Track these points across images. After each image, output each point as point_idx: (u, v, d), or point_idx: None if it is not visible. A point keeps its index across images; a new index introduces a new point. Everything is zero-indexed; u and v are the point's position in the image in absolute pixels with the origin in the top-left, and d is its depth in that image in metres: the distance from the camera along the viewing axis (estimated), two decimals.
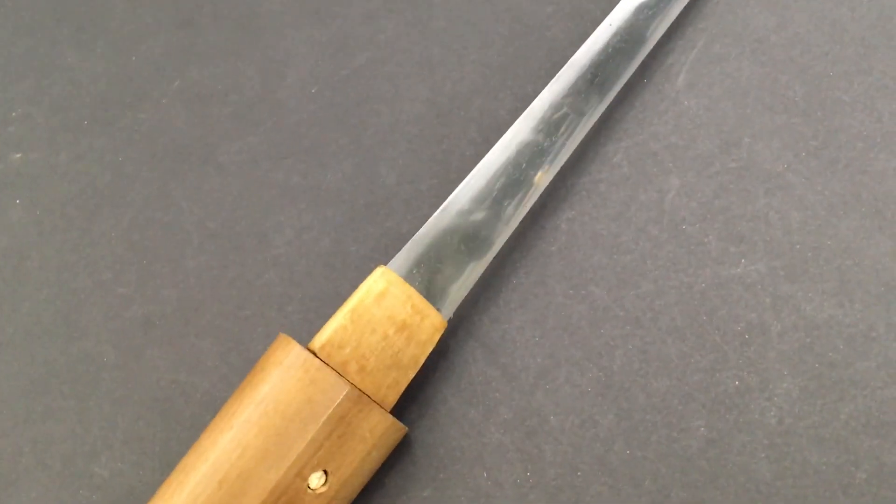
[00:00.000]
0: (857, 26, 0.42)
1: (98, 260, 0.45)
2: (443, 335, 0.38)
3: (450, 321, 0.38)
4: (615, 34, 0.41)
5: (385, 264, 0.37)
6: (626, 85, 0.42)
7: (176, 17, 0.51)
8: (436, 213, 0.38)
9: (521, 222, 0.40)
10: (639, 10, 0.41)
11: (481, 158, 0.39)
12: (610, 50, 0.40)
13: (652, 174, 0.41)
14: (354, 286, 0.37)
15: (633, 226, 0.40)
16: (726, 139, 0.41)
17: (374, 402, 0.35)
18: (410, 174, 0.43)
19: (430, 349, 0.37)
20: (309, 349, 0.35)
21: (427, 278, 0.37)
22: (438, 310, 0.37)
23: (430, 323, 0.37)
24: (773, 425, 0.36)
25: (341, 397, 0.34)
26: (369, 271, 0.37)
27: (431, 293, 0.37)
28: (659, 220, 0.40)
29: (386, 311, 0.36)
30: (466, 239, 0.37)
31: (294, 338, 0.35)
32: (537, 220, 0.41)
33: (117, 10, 0.52)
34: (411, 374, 0.37)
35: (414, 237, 0.38)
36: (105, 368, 0.42)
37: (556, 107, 0.39)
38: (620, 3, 0.41)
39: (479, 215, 0.38)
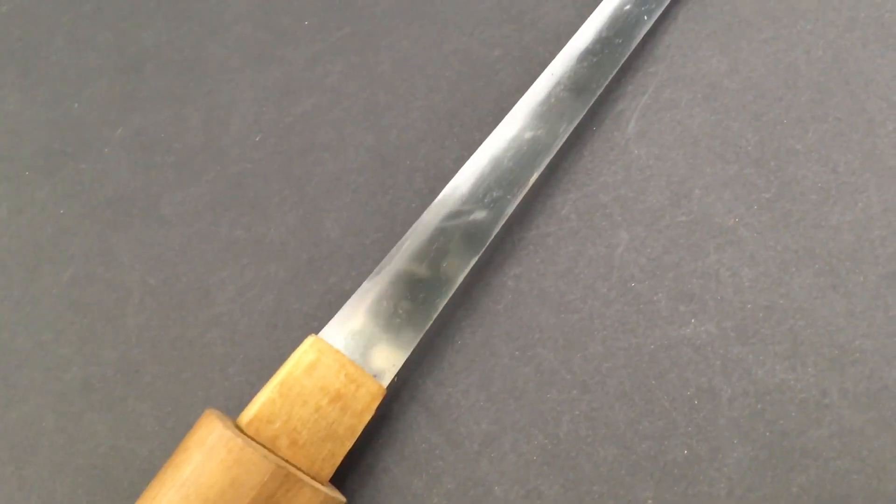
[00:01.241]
0: (812, 70, 0.39)
1: (38, 318, 0.43)
2: (384, 400, 0.36)
3: (392, 384, 0.37)
4: (557, 83, 0.38)
5: (328, 322, 0.35)
6: (575, 131, 0.40)
7: (120, 61, 0.49)
8: (371, 276, 0.36)
9: (466, 278, 0.37)
10: (582, 58, 0.39)
11: (426, 210, 0.37)
12: (552, 101, 0.38)
13: (601, 228, 0.39)
14: (296, 346, 0.35)
15: (581, 283, 0.38)
16: (677, 190, 0.38)
17: (308, 476, 0.33)
18: (355, 227, 0.41)
19: (368, 418, 0.35)
20: (237, 424, 0.33)
21: (364, 343, 0.35)
22: (376, 376, 0.35)
23: (367, 391, 0.35)
24: (722, 497, 0.34)
25: (267, 477, 0.32)
26: (312, 330, 0.35)
27: (368, 358, 0.35)
28: (608, 276, 0.38)
29: (318, 382, 0.34)
30: (405, 300, 0.35)
31: (234, 402, 0.33)
32: (483, 276, 0.39)
33: (61, 54, 0.50)
34: (348, 445, 0.35)
35: (349, 301, 0.35)
36: (44, 433, 0.40)
37: (498, 162, 0.37)
38: (563, 50, 0.39)
39: (418, 274, 0.36)
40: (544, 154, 0.38)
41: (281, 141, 0.44)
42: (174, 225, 0.44)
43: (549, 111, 0.38)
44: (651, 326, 0.37)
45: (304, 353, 0.34)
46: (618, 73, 0.41)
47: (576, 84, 0.39)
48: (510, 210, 0.37)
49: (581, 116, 0.39)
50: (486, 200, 0.37)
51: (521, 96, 0.40)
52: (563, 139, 0.38)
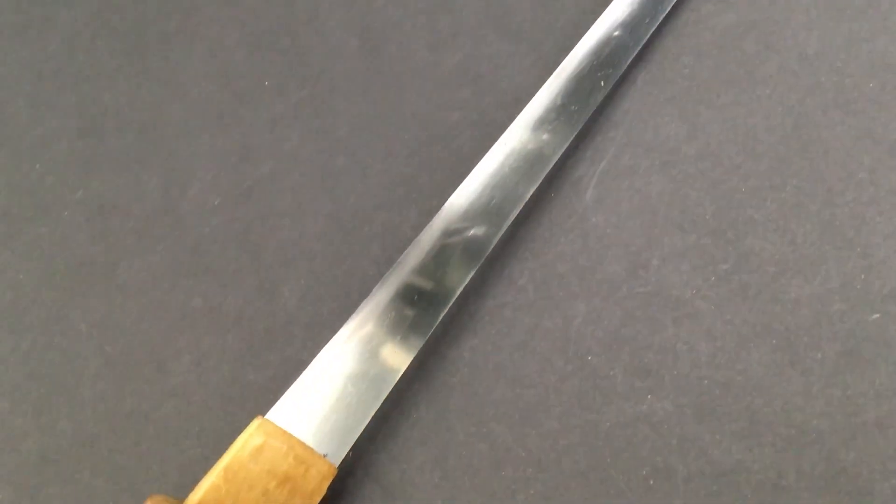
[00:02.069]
0: (771, 137, 0.38)
1: None
2: (337, 477, 0.35)
3: (346, 459, 0.35)
4: (510, 154, 0.37)
5: (282, 395, 0.34)
6: (532, 198, 0.39)
7: (80, 123, 0.48)
8: (322, 353, 0.35)
9: (421, 351, 0.36)
10: (537, 126, 0.38)
11: (384, 278, 0.37)
12: (506, 170, 0.37)
13: (558, 298, 0.38)
14: (250, 420, 0.33)
15: (537, 356, 0.37)
16: (634, 261, 0.37)
17: None
18: (312, 296, 0.40)
19: (319, 499, 0.34)
20: None
21: (315, 421, 0.34)
22: (327, 455, 0.34)
23: (317, 471, 0.33)
24: None
25: None
26: (268, 404, 0.34)
27: (320, 436, 0.34)
28: (564, 350, 0.36)
29: (264, 466, 0.33)
30: (357, 378, 0.34)
31: (189, 478, 0.32)
32: (439, 348, 0.38)
33: (22, 116, 0.49)
34: None
35: (299, 378, 0.34)
36: None
37: (451, 233, 0.36)
38: (517, 119, 0.38)
39: (370, 350, 0.35)
40: (502, 222, 0.37)
41: (239, 206, 0.43)
42: (132, 292, 0.43)
43: (504, 180, 0.37)
44: (607, 402, 0.36)
45: (251, 436, 0.33)
46: (576, 137, 0.40)
47: (530, 153, 0.38)
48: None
49: (537, 185, 0.38)
50: (437, 273, 0.36)
51: (478, 161, 0.39)
52: (520, 207, 0.37)
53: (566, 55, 0.42)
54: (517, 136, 0.38)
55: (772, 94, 0.39)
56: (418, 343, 0.35)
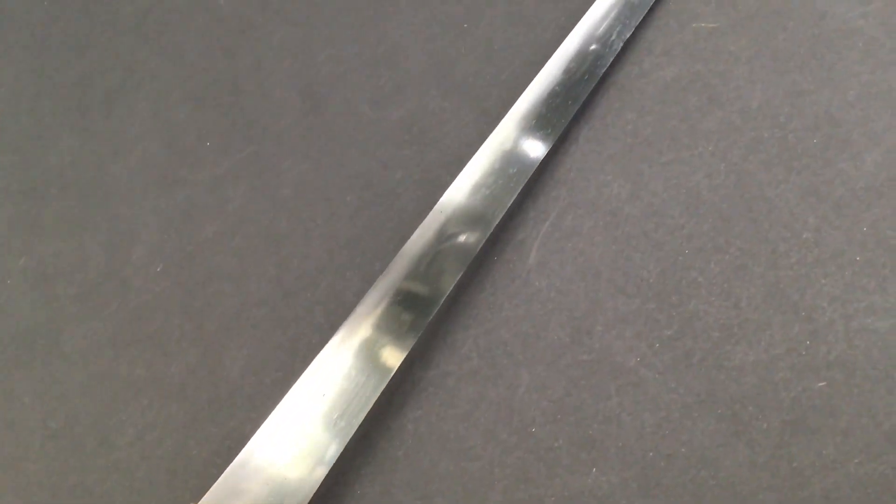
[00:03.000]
0: (714, 196, 0.37)
1: None
2: None
3: None
4: (448, 220, 0.36)
5: (226, 467, 0.33)
6: (475, 262, 0.37)
7: (24, 184, 0.46)
8: (253, 439, 0.33)
9: (363, 424, 0.35)
10: (474, 191, 0.36)
11: (327, 345, 0.35)
12: (444, 240, 0.35)
13: (502, 367, 0.36)
14: (194, 494, 0.32)
15: (481, 427, 0.35)
16: (578, 326, 0.36)
17: None
18: (255, 366, 0.39)
19: None
20: None
21: None
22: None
23: None
24: None
25: None
26: (210, 478, 0.33)
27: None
28: (508, 420, 0.35)
29: None
30: (287, 472, 0.32)
31: None
32: (383, 419, 0.36)
33: None
34: None
35: (231, 466, 0.33)
36: None
37: (388, 301, 0.35)
38: (453, 184, 0.36)
39: (307, 435, 0.33)
40: (446, 287, 0.35)
41: (182, 271, 0.42)
42: (75, 362, 0.41)
43: (442, 253, 0.35)
44: (552, 476, 0.34)
45: None
46: (519, 197, 0.38)
47: (469, 218, 0.36)
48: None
49: (478, 251, 0.36)
50: (394, 328, 0.34)
51: (423, 219, 0.37)
52: (461, 273, 0.36)
53: (509, 109, 0.40)
54: (454, 202, 0.36)
55: (714, 150, 0.38)
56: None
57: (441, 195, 0.39)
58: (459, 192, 0.37)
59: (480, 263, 0.38)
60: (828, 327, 0.34)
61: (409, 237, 0.38)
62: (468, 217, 0.37)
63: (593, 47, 0.40)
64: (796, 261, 0.35)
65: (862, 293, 0.34)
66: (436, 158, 0.41)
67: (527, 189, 0.39)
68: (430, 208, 0.38)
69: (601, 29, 0.40)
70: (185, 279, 0.42)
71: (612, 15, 0.40)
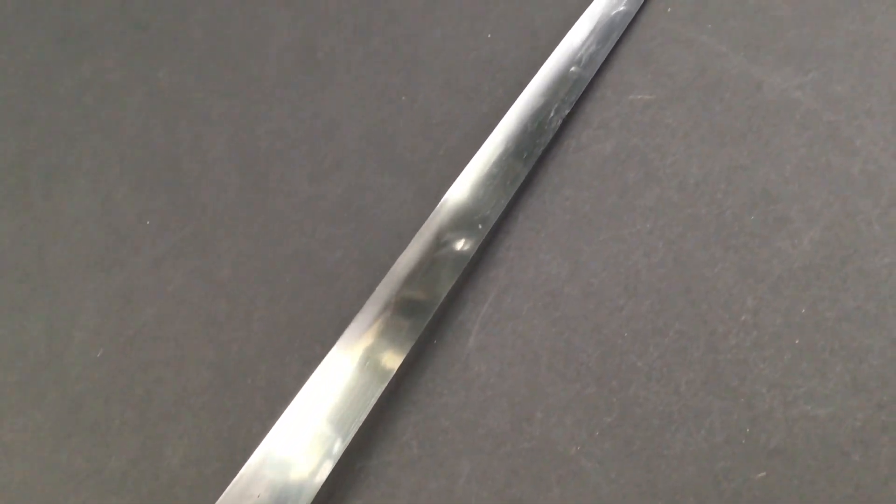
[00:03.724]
0: (652, 276, 0.35)
1: None
2: None
3: None
4: (386, 306, 0.34)
5: None
6: (415, 346, 0.36)
7: None
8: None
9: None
10: (410, 279, 0.35)
11: (268, 433, 0.34)
12: (382, 326, 0.34)
13: (442, 456, 0.35)
14: None
15: None
16: (518, 413, 0.35)
17: None
18: (195, 455, 0.37)
19: None
20: None
21: None
22: None
23: None
24: None
25: None
26: None
27: None
28: None
29: None
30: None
31: None
32: None
33: None
34: None
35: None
36: None
37: (331, 396, 0.33)
38: (385, 277, 0.35)
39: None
40: (384, 377, 0.34)
41: (123, 356, 0.40)
42: (16, 454, 0.40)
43: (382, 336, 0.34)
44: None
45: None
46: (459, 277, 0.37)
47: (408, 304, 0.35)
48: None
49: (419, 335, 0.35)
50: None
51: (361, 304, 0.36)
52: (402, 358, 0.34)
53: (448, 185, 0.39)
54: (391, 289, 0.35)
55: (653, 227, 0.37)
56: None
57: (381, 276, 0.37)
58: (396, 276, 0.36)
59: (421, 349, 0.37)
60: (767, 414, 0.33)
61: (349, 320, 0.36)
62: (408, 302, 0.35)
63: (532, 124, 0.38)
64: (735, 344, 0.34)
65: (801, 378, 0.33)
66: (375, 237, 0.40)
67: (466, 269, 0.38)
68: (370, 290, 0.37)
69: (540, 105, 0.39)
70: (125, 365, 0.40)
71: (551, 91, 0.39)
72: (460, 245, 0.37)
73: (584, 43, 0.40)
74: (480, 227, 0.37)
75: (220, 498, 0.32)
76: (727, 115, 0.38)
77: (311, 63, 0.45)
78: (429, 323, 0.36)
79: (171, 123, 0.45)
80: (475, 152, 0.40)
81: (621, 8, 0.40)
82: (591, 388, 0.35)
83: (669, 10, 0.41)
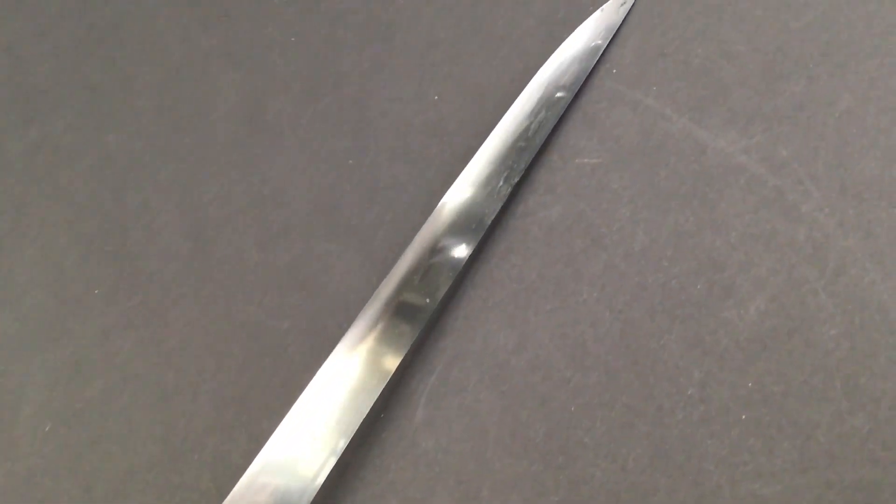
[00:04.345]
0: (599, 347, 0.34)
1: None
2: None
3: None
4: (337, 378, 0.33)
5: None
6: (364, 419, 0.35)
7: None
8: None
9: None
10: (362, 352, 0.34)
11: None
12: (334, 397, 0.33)
13: None
14: None
15: None
16: (465, 491, 0.33)
17: None
18: None
19: None
20: None
21: None
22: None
23: None
24: None
25: None
26: None
27: None
28: None
29: None
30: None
31: None
32: None
33: None
34: None
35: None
36: None
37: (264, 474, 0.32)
38: (341, 341, 0.34)
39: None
40: (330, 459, 0.33)
41: (71, 431, 0.39)
42: None
43: (334, 407, 0.33)
44: None
45: None
46: (405, 354, 0.36)
47: (359, 381, 0.34)
48: None
49: (368, 410, 0.34)
50: None
51: (310, 377, 0.35)
52: (346, 443, 0.33)
53: (395, 253, 0.38)
54: (341, 361, 0.34)
55: (599, 296, 0.35)
56: None
57: (330, 346, 0.36)
58: (338, 360, 0.34)
59: (369, 422, 0.36)
60: (715, 493, 0.32)
61: (299, 392, 0.35)
62: (357, 380, 0.34)
63: (482, 193, 0.37)
64: (682, 419, 0.33)
65: (749, 455, 0.32)
66: (323, 306, 0.39)
67: (416, 340, 0.37)
68: (319, 363, 0.36)
69: (488, 173, 0.38)
70: (73, 440, 0.39)
71: (500, 159, 0.38)
72: (411, 315, 0.36)
73: (533, 111, 0.39)
74: (428, 300, 0.36)
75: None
76: (672, 179, 0.37)
77: (258, 126, 0.43)
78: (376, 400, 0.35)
79: (120, 189, 0.44)
80: (423, 219, 0.39)
81: (566, 79, 0.39)
82: (537, 465, 0.34)
83: (615, 70, 0.40)
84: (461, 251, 0.36)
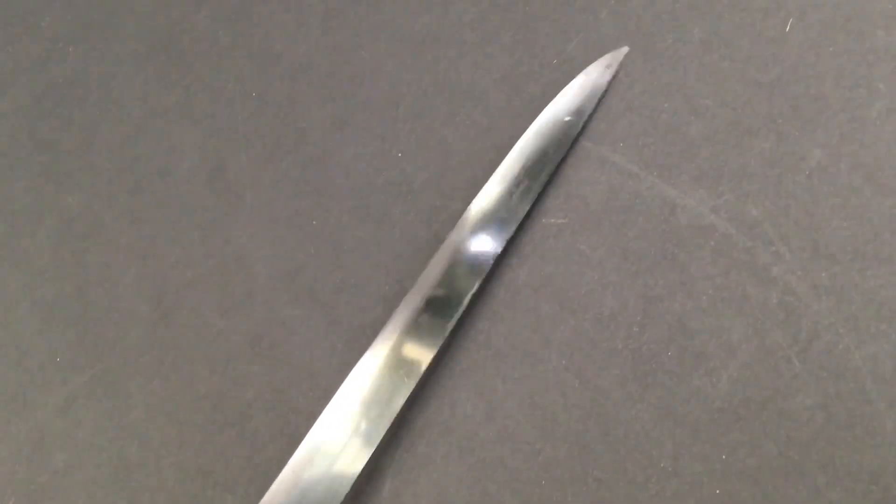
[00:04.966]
0: (569, 417, 0.33)
1: None
2: None
3: None
4: (313, 454, 0.32)
5: None
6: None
7: None
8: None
9: None
10: (341, 427, 0.33)
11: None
12: (310, 475, 0.32)
13: None
14: None
15: None
16: None
17: None
18: None
19: None
20: None
21: None
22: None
23: None
24: None
25: None
26: None
27: None
28: None
29: None
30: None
31: None
32: None
33: None
34: None
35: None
36: None
37: None
38: (316, 423, 0.33)
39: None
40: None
41: None
42: None
43: (308, 484, 0.32)
44: None
45: None
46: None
47: (333, 459, 0.32)
48: None
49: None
50: None
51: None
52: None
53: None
54: (318, 440, 0.32)
55: (568, 364, 0.34)
56: None
57: (294, 418, 0.35)
58: (323, 428, 0.33)
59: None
60: None
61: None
62: (331, 457, 0.33)
63: (459, 269, 0.35)
64: (655, 493, 0.32)
65: None
66: (287, 375, 0.37)
67: None
68: (282, 434, 0.35)
69: (469, 251, 0.36)
70: None
71: (481, 235, 0.36)
72: (381, 405, 0.34)
73: (515, 179, 0.37)
74: (402, 372, 0.34)
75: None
76: (641, 240, 0.35)
77: (220, 186, 0.42)
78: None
79: (80, 252, 0.43)
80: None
81: (550, 146, 0.37)
82: None
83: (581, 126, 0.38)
84: (437, 323, 0.35)
